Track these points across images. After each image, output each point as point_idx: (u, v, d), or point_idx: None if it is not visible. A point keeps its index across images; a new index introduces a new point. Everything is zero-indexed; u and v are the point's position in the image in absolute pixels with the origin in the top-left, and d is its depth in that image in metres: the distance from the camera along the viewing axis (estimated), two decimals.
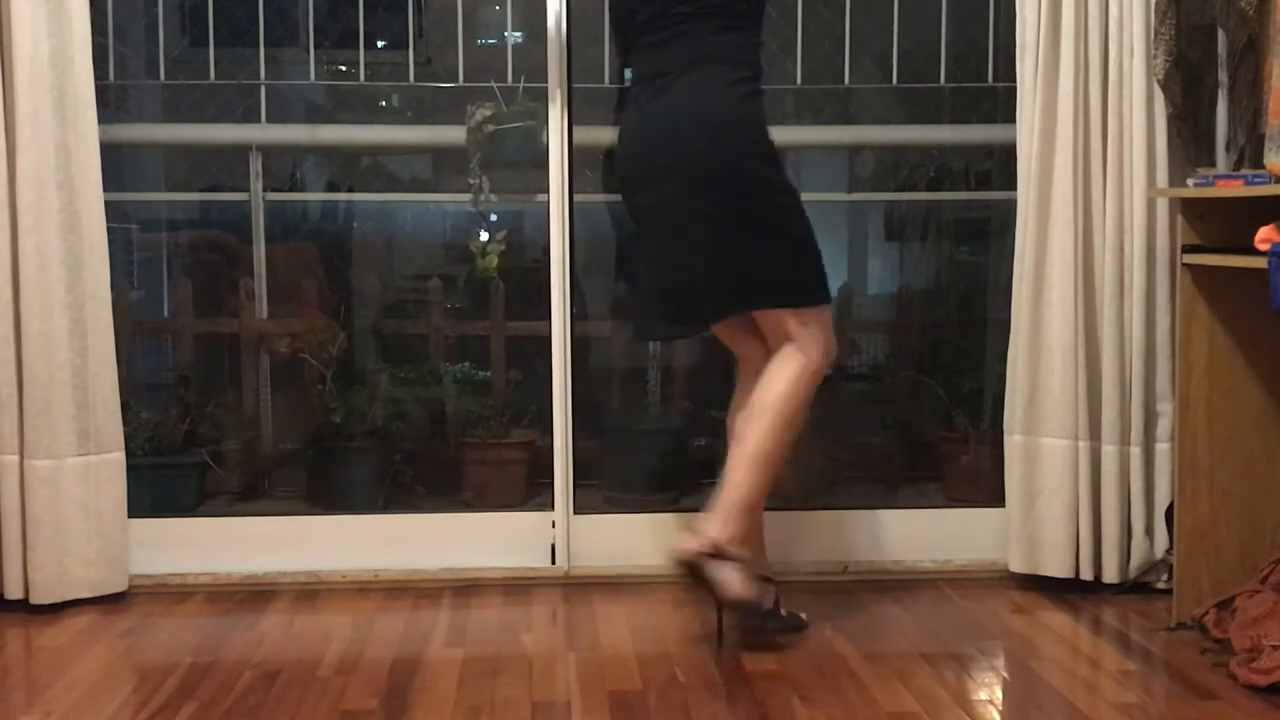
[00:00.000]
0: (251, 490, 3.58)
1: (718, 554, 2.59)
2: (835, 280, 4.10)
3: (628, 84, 2.82)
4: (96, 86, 2.96)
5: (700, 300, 2.72)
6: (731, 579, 2.59)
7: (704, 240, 2.67)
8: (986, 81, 3.53)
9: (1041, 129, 3.01)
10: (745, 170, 2.64)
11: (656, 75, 2.72)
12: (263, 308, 3.63)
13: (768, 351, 2.74)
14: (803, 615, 2.82)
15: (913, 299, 3.91)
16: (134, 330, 3.63)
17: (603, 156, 3.10)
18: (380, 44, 3.72)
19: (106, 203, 2.99)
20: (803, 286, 2.71)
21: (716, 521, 2.61)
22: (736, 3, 2.70)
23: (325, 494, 3.50)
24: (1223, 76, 2.95)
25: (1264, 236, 2.48)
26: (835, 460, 3.61)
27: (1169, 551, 3.00)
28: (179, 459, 3.43)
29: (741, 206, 2.65)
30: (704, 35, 2.69)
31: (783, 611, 2.77)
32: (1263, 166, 2.67)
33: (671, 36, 2.71)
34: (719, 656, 2.65)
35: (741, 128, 2.66)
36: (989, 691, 2.46)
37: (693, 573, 2.61)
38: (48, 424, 2.91)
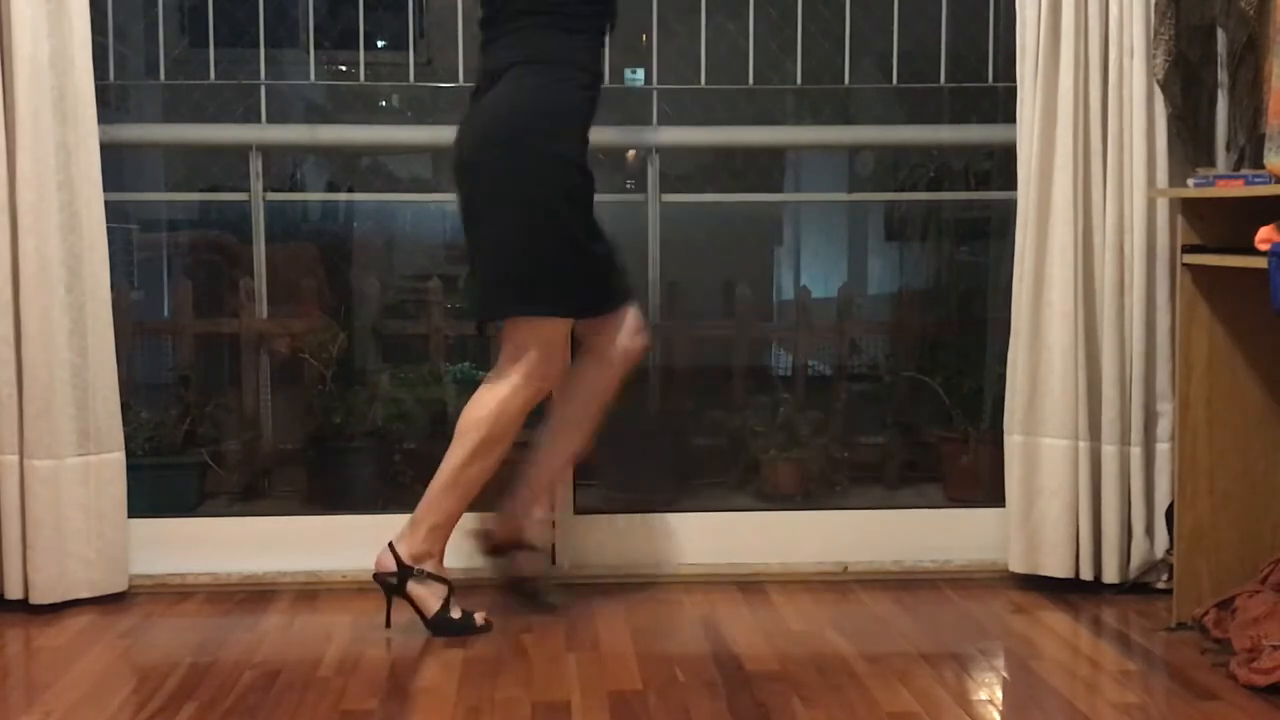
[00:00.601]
0: (251, 490, 3.58)
1: (409, 572, 2.78)
2: (835, 280, 4.11)
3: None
4: (96, 86, 2.96)
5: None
6: (423, 595, 2.79)
7: (478, 235, 2.79)
8: (986, 81, 3.53)
9: (1041, 129, 3.01)
10: (510, 156, 2.70)
11: (488, 73, 2.78)
12: (263, 308, 3.62)
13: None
14: (478, 616, 2.84)
15: (913, 299, 3.91)
16: (134, 330, 3.63)
17: None
18: (380, 44, 3.72)
19: (106, 203, 2.99)
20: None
21: (407, 538, 2.80)
22: (576, 5, 2.74)
23: (325, 494, 3.50)
24: (1223, 76, 2.95)
25: (1264, 236, 2.48)
26: (835, 460, 3.61)
27: (1169, 551, 3.00)
28: (179, 459, 3.43)
29: (495, 194, 2.72)
30: (532, 36, 2.74)
31: (454, 614, 2.81)
32: (1263, 166, 2.67)
33: (501, 34, 2.77)
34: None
35: (526, 116, 2.70)
36: (989, 691, 2.46)
37: (389, 588, 2.80)
38: (48, 424, 2.91)
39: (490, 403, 2.75)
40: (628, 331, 2.86)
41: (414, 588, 2.78)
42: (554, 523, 3.19)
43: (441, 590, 2.80)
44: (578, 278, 2.76)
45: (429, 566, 2.79)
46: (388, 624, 2.81)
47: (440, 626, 2.78)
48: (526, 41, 2.74)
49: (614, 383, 2.88)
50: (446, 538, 2.83)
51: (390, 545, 2.79)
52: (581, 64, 2.76)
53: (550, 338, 2.77)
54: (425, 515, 2.79)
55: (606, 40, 2.86)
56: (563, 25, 2.74)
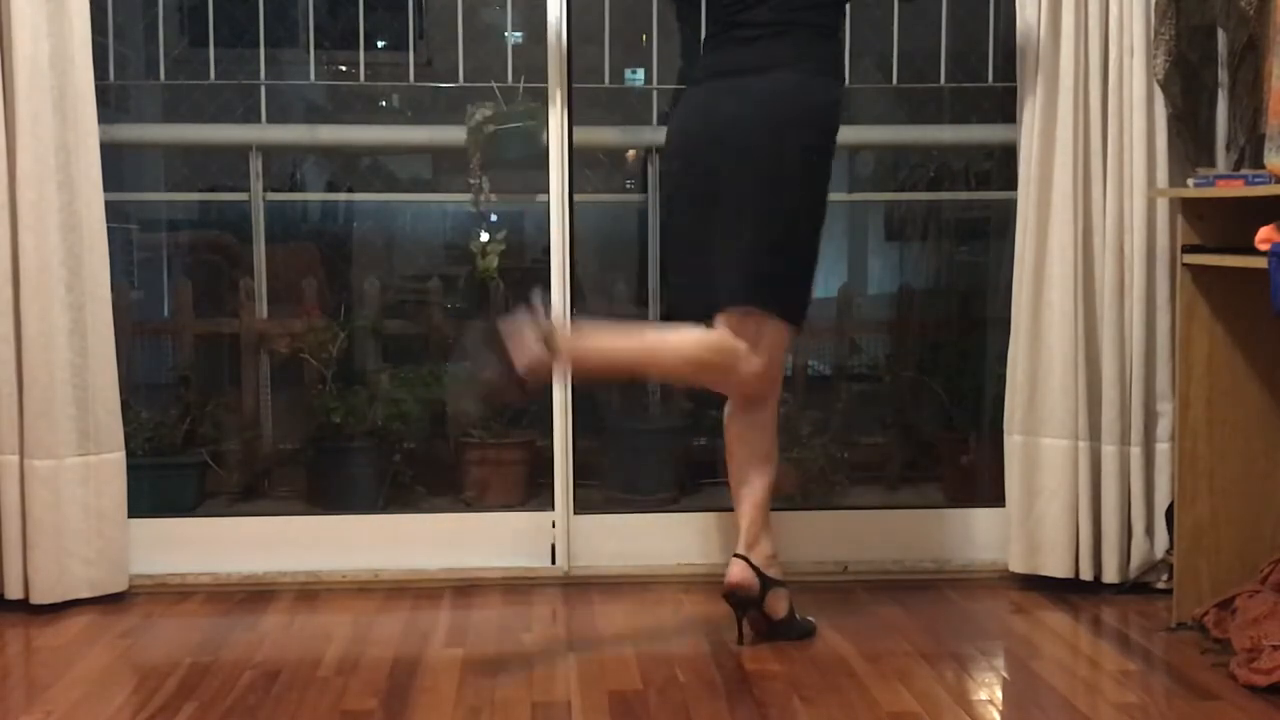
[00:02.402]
0: (251, 490, 3.58)
1: (769, 581, 2.71)
2: (835, 280, 4.11)
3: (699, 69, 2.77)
4: (96, 86, 2.96)
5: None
6: (771, 603, 2.72)
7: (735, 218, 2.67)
8: (986, 81, 3.53)
9: (1041, 129, 3.01)
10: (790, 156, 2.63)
11: (733, 70, 2.67)
12: (263, 308, 3.63)
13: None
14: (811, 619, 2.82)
15: (913, 299, 3.91)
16: (134, 330, 3.63)
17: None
18: (380, 44, 3.72)
19: (106, 203, 2.99)
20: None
21: (754, 547, 2.71)
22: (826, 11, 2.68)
23: (325, 494, 3.50)
24: (1223, 76, 2.95)
25: (1264, 236, 2.48)
26: (835, 460, 3.60)
27: (1169, 551, 3.00)
28: (179, 459, 3.43)
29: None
30: (800, 38, 2.66)
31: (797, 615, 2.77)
32: (1263, 166, 2.67)
33: (766, 35, 2.65)
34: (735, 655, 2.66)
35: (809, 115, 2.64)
36: (989, 691, 2.46)
37: (747, 603, 2.69)
38: (48, 424, 2.91)
39: (770, 424, 2.73)
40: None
41: (769, 597, 2.70)
42: (553, 523, 3.19)
43: (785, 593, 2.75)
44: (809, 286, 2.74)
45: (774, 573, 2.72)
46: (740, 640, 2.70)
47: (789, 629, 2.73)
48: (797, 44, 2.65)
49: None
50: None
51: (742, 558, 2.68)
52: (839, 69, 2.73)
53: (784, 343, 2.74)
54: (758, 520, 2.71)
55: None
56: (823, 33, 2.68)
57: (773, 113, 2.61)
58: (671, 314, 2.83)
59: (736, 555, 2.69)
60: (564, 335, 2.57)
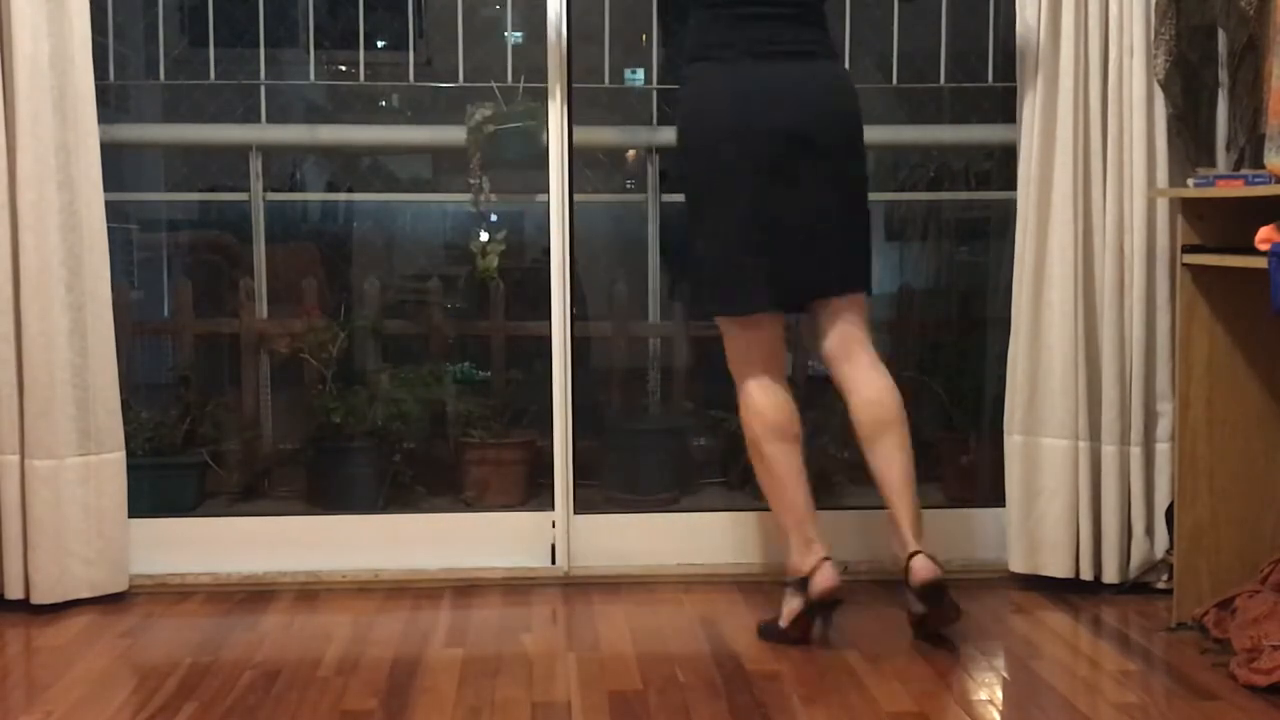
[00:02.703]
0: (251, 490, 3.58)
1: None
2: None
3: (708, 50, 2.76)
4: (96, 86, 2.95)
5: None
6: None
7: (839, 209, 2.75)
8: (986, 81, 3.53)
9: (1041, 129, 3.01)
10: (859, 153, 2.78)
11: (779, 51, 2.71)
12: (263, 308, 3.63)
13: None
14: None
15: (913, 299, 3.91)
16: (134, 330, 3.63)
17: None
18: (380, 44, 3.72)
19: (106, 203, 2.99)
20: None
21: (924, 538, 2.69)
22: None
23: (325, 494, 3.50)
24: (1223, 76, 2.95)
25: (1264, 236, 2.48)
26: (835, 460, 3.60)
27: (1169, 551, 3.00)
28: (179, 459, 3.43)
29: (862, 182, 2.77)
30: (823, 25, 2.78)
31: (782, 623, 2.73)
32: (1263, 166, 2.67)
33: (786, 15, 2.72)
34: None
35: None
36: (989, 691, 2.46)
37: (940, 597, 2.65)
38: (48, 424, 2.91)
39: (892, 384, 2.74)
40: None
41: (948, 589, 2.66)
42: (553, 523, 3.19)
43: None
44: None
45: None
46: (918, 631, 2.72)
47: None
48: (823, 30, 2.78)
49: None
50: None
51: (923, 554, 2.63)
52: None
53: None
54: (917, 510, 2.72)
55: None
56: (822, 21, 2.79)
57: (851, 101, 2.78)
58: (713, 307, 2.79)
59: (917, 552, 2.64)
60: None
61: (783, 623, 2.71)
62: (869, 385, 2.73)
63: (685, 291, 2.66)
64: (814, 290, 2.75)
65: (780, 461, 2.73)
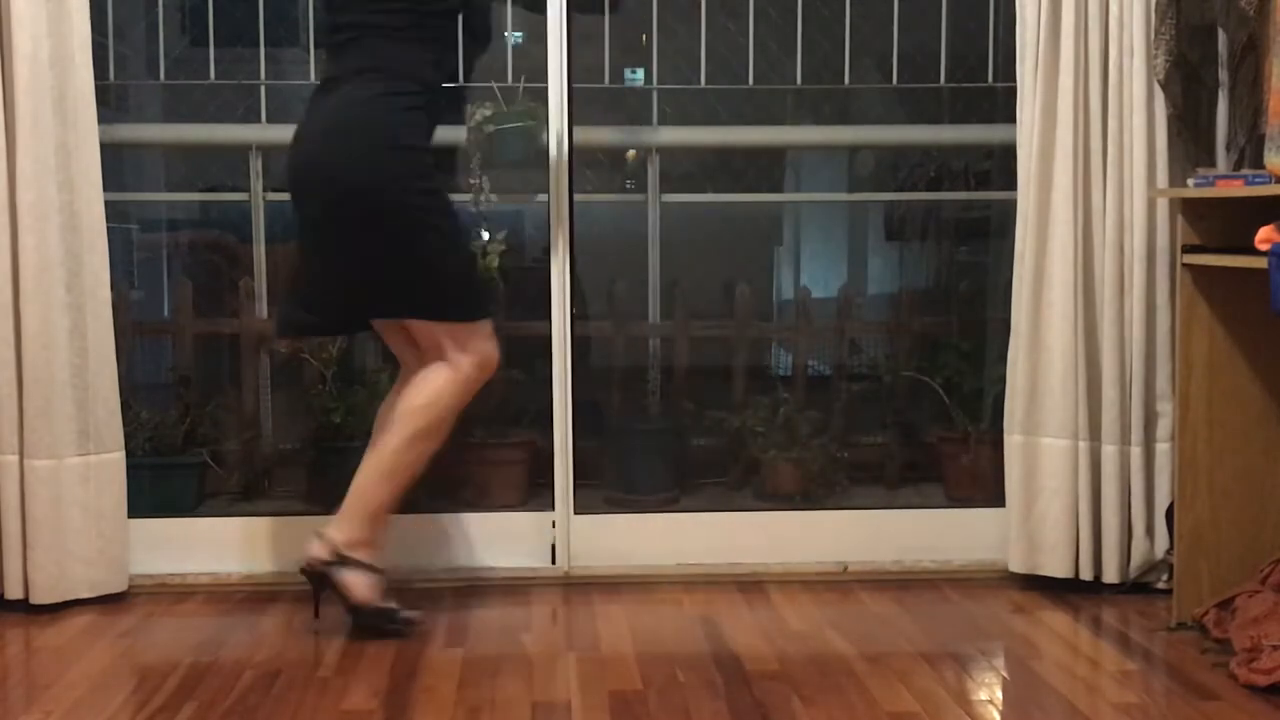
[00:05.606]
0: (251, 490, 3.58)
1: (341, 560, 2.73)
2: (835, 280, 4.11)
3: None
4: (96, 86, 2.96)
5: (336, 306, 2.81)
6: (355, 583, 2.73)
7: (335, 252, 2.75)
8: (986, 81, 3.53)
9: (1041, 129, 3.01)
10: (377, 183, 2.67)
11: (327, 80, 2.77)
12: (263, 308, 3.62)
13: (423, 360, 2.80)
14: (412, 614, 2.83)
15: (913, 299, 3.91)
16: (134, 330, 3.63)
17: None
18: None
19: (106, 203, 2.99)
20: (442, 302, 2.74)
21: (341, 526, 2.75)
22: (420, 17, 2.71)
23: (325, 494, 3.49)
24: (1223, 76, 2.95)
25: (1264, 236, 2.48)
26: (835, 460, 3.60)
27: (1169, 551, 3.00)
28: (179, 459, 3.43)
29: (372, 219, 2.68)
30: (374, 45, 2.71)
31: (394, 605, 2.79)
32: (1263, 166, 2.67)
33: (347, 41, 2.74)
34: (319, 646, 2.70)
35: (376, 140, 2.67)
36: (989, 691, 2.46)
37: (318, 579, 2.75)
38: (48, 424, 2.91)
39: (427, 392, 2.78)
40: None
41: (346, 575, 2.74)
42: (553, 523, 3.20)
43: (374, 579, 2.76)
44: None
45: (363, 556, 2.75)
46: (316, 615, 2.79)
47: (367, 615, 2.75)
48: (368, 52, 2.71)
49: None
50: (382, 526, 2.80)
51: (322, 535, 2.75)
52: (419, 78, 2.72)
53: (485, 330, 2.84)
54: (357, 504, 2.76)
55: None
56: (408, 38, 2.71)
57: (336, 143, 2.74)
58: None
59: None
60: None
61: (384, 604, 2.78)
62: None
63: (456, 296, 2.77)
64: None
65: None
